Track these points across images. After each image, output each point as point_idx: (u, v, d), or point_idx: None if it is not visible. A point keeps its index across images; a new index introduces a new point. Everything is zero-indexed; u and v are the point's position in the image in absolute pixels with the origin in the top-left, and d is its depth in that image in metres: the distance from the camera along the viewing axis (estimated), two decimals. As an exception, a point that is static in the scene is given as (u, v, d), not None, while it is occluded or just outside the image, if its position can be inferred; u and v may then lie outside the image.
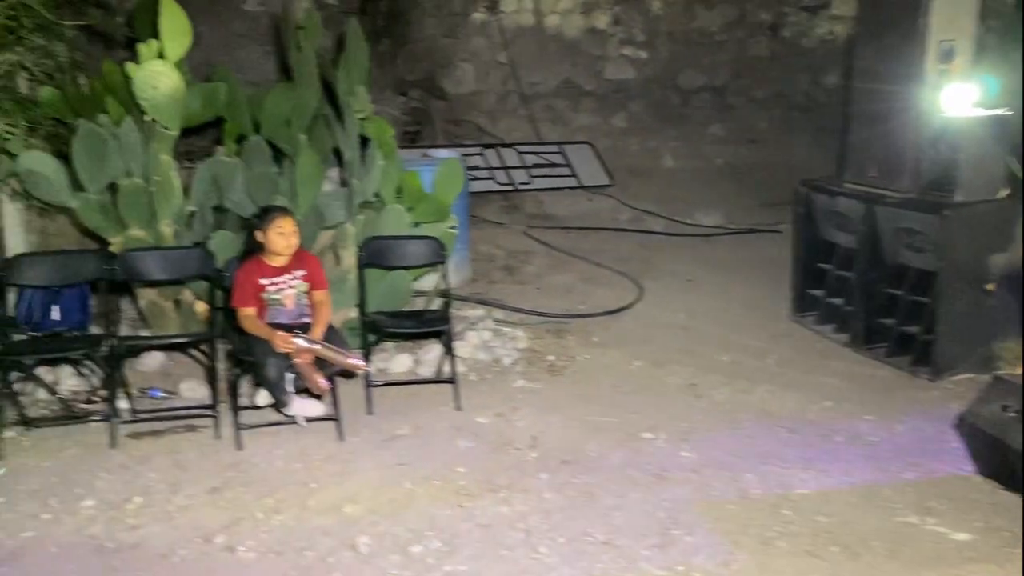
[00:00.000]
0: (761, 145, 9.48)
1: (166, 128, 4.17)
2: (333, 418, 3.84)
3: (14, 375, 4.04)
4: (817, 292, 5.50)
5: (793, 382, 4.59)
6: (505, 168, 8.57)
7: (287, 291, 3.78)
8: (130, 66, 3.96)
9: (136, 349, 4.31)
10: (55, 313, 4.24)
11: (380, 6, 9.05)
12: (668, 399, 4.36)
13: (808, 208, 5.49)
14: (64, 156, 4.48)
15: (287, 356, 3.59)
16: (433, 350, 4.72)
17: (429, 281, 5.15)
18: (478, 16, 9.19)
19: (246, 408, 3.90)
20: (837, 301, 5.32)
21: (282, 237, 3.71)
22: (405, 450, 3.72)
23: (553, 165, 8.75)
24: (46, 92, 4.31)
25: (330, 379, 3.71)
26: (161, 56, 3.96)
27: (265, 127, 4.82)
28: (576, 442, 3.82)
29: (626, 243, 7.36)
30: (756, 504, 3.33)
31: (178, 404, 4.19)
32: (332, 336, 3.75)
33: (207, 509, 3.21)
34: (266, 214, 3.74)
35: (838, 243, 5.30)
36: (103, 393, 4.30)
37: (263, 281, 3.74)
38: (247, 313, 3.70)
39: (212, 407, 4.05)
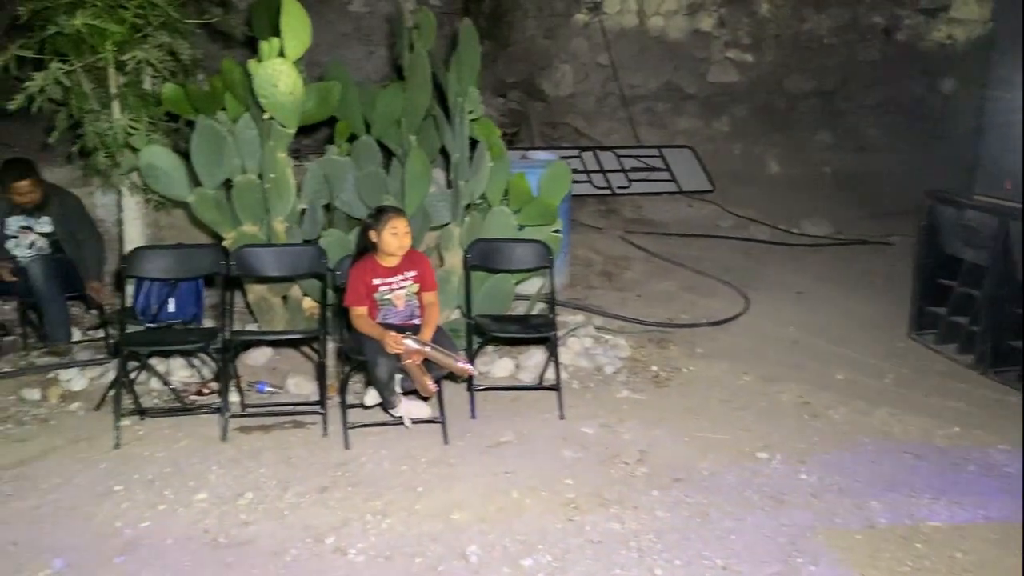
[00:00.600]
0: (871, 153, 9.10)
1: (283, 126, 4.21)
2: (438, 421, 3.80)
3: (130, 364, 4.14)
4: (939, 309, 5.21)
5: (915, 404, 4.34)
6: (603, 171, 8.44)
7: (398, 291, 3.76)
8: (252, 64, 4.01)
9: (248, 344, 4.34)
10: (171, 305, 4.33)
11: (483, 7, 9.05)
12: (781, 417, 4.17)
13: (932, 221, 5.20)
14: (181, 151, 4.60)
15: (397, 357, 3.56)
16: (535, 355, 4.64)
17: (528, 285, 5.08)
18: (580, 17, 9.10)
19: (354, 407, 3.89)
20: (961, 320, 5.02)
21: (396, 237, 3.69)
22: (510, 457, 3.65)
23: (652, 169, 8.58)
24: (168, 89, 4.40)
25: (436, 381, 3.67)
26: (281, 54, 4.00)
27: (376, 127, 4.84)
28: (687, 459, 3.68)
29: (729, 251, 7.16)
30: (884, 535, 3.13)
31: (285, 399, 4.23)
32: (440, 338, 3.71)
33: (317, 508, 3.20)
34: (380, 214, 3.72)
35: (965, 258, 5.00)
36: (214, 385, 4.39)
37: (375, 281, 3.72)
38: (359, 312, 3.69)
39: (319, 404, 4.08)
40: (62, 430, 3.90)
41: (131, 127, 4.36)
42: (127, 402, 3.93)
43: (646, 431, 3.94)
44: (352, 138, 4.90)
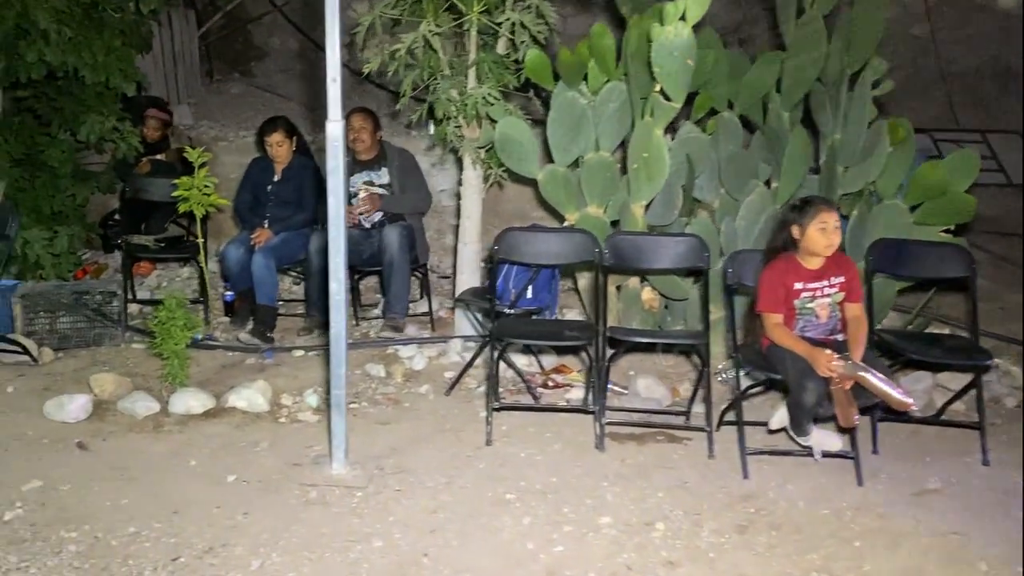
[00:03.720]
0: None
1: (668, 100, 3.74)
2: (850, 456, 3.23)
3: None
4: None
5: None
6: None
7: (821, 300, 3.20)
8: (655, 28, 3.55)
9: (623, 344, 3.87)
10: (529, 292, 4.00)
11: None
12: None
13: None
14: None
15: (827, 380, 3.02)
16: (923, 380, 3.98)
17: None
18: (893, -18, 8.06)
19: (750, 424, 3.38)
20: None
21: (824, 234, 3.12)
22: (948, 512, 3.01)
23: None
24: (533, 55, 4.03)
25: (862, 412, 3.10)
26: (683, 19, 3.52)
27: (741, 100, 4.28)
28: None
29: (1092, 261, 6.07)
30: None
31: (635, 404, 3.83)
32: (872, 361, 3.12)
33: (744, 554, 2.73)
34: (806, 206, 3.16)
35: None
36: (558, 378, 4.05)
37: (797, 285, 3.18)
38: (777, 321, 3.17)
39: (686, 414, 3.66)
40: (420, 415, 3.69)
41: (489, 97, 4.03)
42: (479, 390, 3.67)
43: (1111, 495, 3.19)
44: (710, 112, 4.37)
